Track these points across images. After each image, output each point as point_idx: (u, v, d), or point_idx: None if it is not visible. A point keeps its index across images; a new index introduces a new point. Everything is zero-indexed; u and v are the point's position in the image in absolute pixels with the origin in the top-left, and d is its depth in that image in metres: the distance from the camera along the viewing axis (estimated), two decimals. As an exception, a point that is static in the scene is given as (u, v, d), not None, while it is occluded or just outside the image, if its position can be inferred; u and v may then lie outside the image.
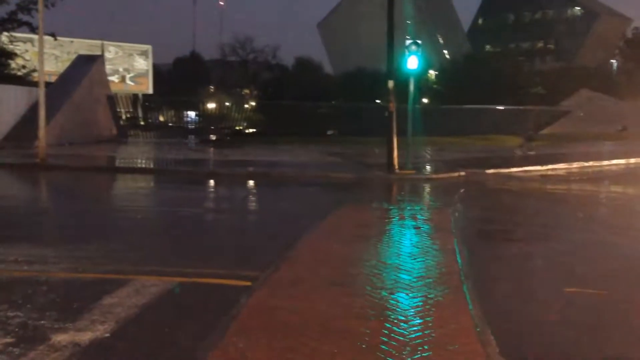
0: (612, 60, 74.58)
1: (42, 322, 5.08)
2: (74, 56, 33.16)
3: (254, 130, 37.32)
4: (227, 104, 37.09)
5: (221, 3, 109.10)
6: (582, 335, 5.19)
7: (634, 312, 5.87)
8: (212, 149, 26.67)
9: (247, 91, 66.22)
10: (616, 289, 6.53)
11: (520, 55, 79.10)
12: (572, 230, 10.29)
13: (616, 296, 6.29)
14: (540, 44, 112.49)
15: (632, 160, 23.31)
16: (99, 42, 43.95)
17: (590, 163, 22.06)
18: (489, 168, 19.27)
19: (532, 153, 24.04)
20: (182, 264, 7.07)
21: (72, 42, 42.77)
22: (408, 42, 17.70)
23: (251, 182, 16.57)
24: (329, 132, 38.80)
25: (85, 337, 4.77)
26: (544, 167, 20.49)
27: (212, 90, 66.31)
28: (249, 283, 6.24)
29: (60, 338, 4.73)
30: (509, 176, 18.40)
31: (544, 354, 4.79)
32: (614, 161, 22.84)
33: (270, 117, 38.19)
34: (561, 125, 45.36)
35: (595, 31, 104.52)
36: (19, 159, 19.52)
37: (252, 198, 14.47)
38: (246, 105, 40.50)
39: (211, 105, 37.44)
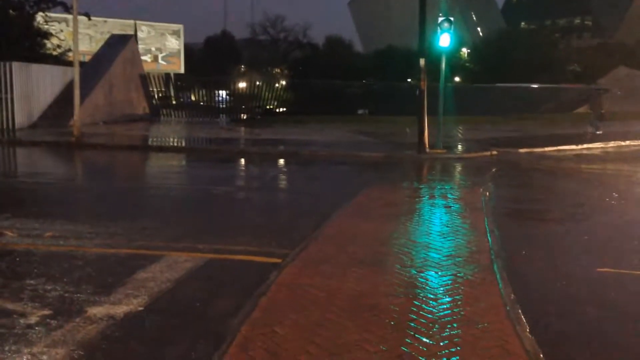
0: (652, 37, 72.17)
1: (78, 295, 5.24)
2: (107, 36, 33.52)
3: (285, 109, 37.34)
4: (257, 83, 37.10)
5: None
6: (613, 315, 5.13)
7: (669, 294, 5.76)
8: (243, 128, 26.80)
9: (277, 70, 66.18)
10: (651, 270, 6.41)
11: (556, 32, 77.32)
12: (606, 211, 10.10)
13: (651, 277, 6.18)
14: (577, 20, 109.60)
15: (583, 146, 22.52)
16: (131, 21, 44.28)
17: (627, 142, 21.54)
18: (522, 147, 18.99)
19: (599, 132, 23.28)
20: (213, 241, 7.17)
21: (105, 21, 43.21)
22: (440, 19, 17.42)
23: (281, 161, 16.64)
24: (360, 111, 38.60)
25: (120, 310, 4.90)
26: (579, 147, 20.09)
27: (242, 69, 66.45)
28: (279, 260, 6.31)
29: (96, 311, 4.87)
30: (542, 155, 18.11)
31: (574, 334, 4.75)
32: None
33: (300, 96, 38.10)
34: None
35: (635, 6, 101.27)
36: (55, 137, 19.92)
37: (282, 177, 14.55)
38: (277, 85, 40.48)
39: (242, 85, 37.52)
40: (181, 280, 5.72)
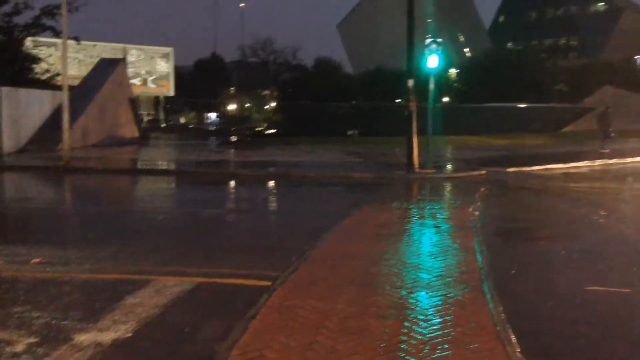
0: (636, 56, 73.31)
1: (65, 322, 5.17)
2: (97, 60, 33.59)
3: (275, 130, 37.48)
4: (247, 105, 37.26)
5: (242, 5, 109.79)
6: (602, 334, 5.13)
7: (658, 311, 5.78)
8: (233, 150, 26.82)
9: (267, 92, 66.47)
10: (639, 288, 6.44)
11: (543, 52, 78.33)
12: (594, 229, 10.15)
13: (639, 295, 6.20)
14: (563, 41, 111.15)
15: (597, 162, 22.79)
16: (121, 45, 44.45)
17: (614, 160, 21.73)
18: (510, 166, 19.10)
19: (607, 151, 23.46)
20: (203, 265, 7.13)
21: (95, 45, 43.30)
22: (428, 40, 17.62)
23: (272, 183, 16.63)
24: (350, 132, 38.77)
25: (108, 337, 4.85)
26: (566, 165, 20.24)
27: (232, 91, 66.68)
28: (269, 283, 6.27)
29: (83, 338, 4.81)
30: (530, 174, 18.22)
31: (565, 353, 4.75)
32: (638, 158, 22.45)
33: (290, 118, 38.32)
34: (584, 123, 44.71)
35: (620, 27, 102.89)
36: (43, 161, 19.83)
37: (272, 198, 14.53)
38: (267, 106, 40.66)
39: (232, 107, 37.67)
40: (170, 305, 5.67)
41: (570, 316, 5.57)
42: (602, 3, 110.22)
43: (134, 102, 31.24)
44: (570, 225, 10.47)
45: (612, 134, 24.39)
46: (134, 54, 44.87)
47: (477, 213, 11.00)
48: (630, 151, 23.93)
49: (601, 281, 6.67)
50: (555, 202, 13.32)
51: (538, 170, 19.18)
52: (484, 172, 18.11)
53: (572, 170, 19.49)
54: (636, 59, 71.24)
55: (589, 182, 16.91)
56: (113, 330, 4.98)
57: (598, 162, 21.22)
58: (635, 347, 4.94)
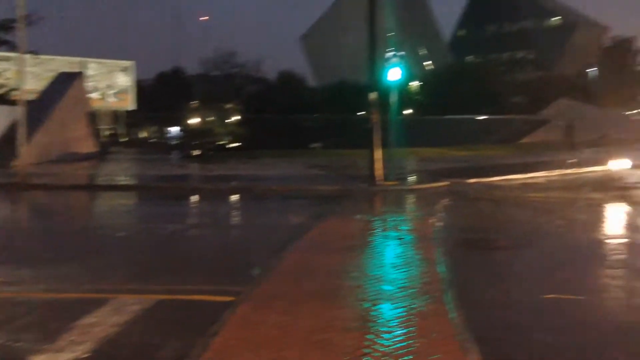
0: (590, 69, 75.63)
1: (20, 344, 5.02)
2: (54, 74, 32.97)
3: (238, 144, 37.25)
4: (210, 118, 36.98)
5: (204, 18, 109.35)
6: (561, 341, 5.23)
7: (610, 317, 5.92)
8: (195, 164, 26.57)
9: (230, 105, 66.12)
10: (594, 295, 6.59)
11: (501, 66, 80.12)
12: (552, 238, 10.37)
13: (593, 301, 6.35)
14: (520, 54, 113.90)
15: (590, 169, 23.49)
16: (79, 59, 43.75)
17: (570, 170, 22.28)
18: (471, 178, 19.40)
19: (574, 161, 24.14)
20: (164, 281, 7.02)
21: (52, 59, 42.51)
22: (390, 54, 17.85)
23: (235, 197, 16.52)
24: (313, 145, 38.85)
25: (63, 358, 4.72)
26: (525, 176, 20.65)
27: (195, 105, 66.13)
28: (232, 298, 6.20)
29: (39, 359, 4.67)
30: (491, 185, 18.53)
31: (525, 362, 4.81)
32: (593, 168, 23.07)
33: (254, 131, 38.13)
34: (541, 134, 45.81)
35: (574, 40, 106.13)
36: (-1, 178, 19.29)
37: (235, 213, 14.43)
38: (230, 120, 40.45)
39: (194, 120, 37.35)
40: (129, 323, 5.55)
41: (528, 324, 5.67)
42: (557, 18, 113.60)
43: (93, 117, 30.72)
44: (529, 234, 10.68)
45: (576, 145, 25.21)
46: (93, 68, 44.15)
47: (439, 224, 11.12)
48: (585, 161, 24.58)
49: (557, 289, 6.81)
50: (514, 212, 13.57)
51: (498, 180, 19.53)
52: (445, 183, 18.34)
53: (530, 181, 19.91)
54: (590, 72, 73.42)
55: (546, 192, 17.28)
56: (69, 351, 4.84)
57: (555, 172, 21.72)
58: (591, 352, 5.04)
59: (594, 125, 41.50)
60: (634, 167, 22.31)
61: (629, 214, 13.25)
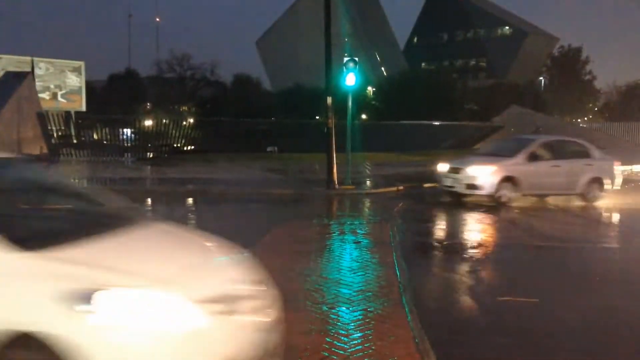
0: (540, 77, 77.95)
1: None
2: (1, 73, 31.91)
3: (193, 147, 36.81)
4: (164, 121, 36.42)
5: (158, 19, 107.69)
6: (515, 342, 5.35)
7: (562, 319, 6.09)
8: (149, 167, 26.12)
9: (185, 108, 65.40)
10: (547, 297, 6.77)
11: (454, 73, 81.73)
12: (504, 240, 10.61)
13: (546, 304, 6.51)
14: (472, 62, 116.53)
15: None
16: (28, 58, 42.42)
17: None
18: (426, 182, 19.67)
19: None
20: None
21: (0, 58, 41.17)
22: (346, 59, 17.96)
23: (190, 200, 16.31)
24: (269, 149, 38.72)
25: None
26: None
27: (148, 107, 65.12)
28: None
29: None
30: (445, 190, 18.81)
31: (480, 362, 4.90)
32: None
33: (209, 134, 37.78)
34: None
35: (524, 49, 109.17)
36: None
37: (190, 216, 14.22)
38: (184, 123, 39.96)
39: (148, 123, 36.73)
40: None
41: (483, 326, 5.78)
42: (508, 27, 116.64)
43: (42, 118, 29.83)
44: (483, 238, 10.90)
45: None
46: (42, 67, 42.87)
47: (395, 228, 11.23)
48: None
49: (511, 292, 6.97)
50: (468, 216, 13.82)
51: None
52: (401, 187, 18.56)
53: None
54: (541, 80, 75.65)
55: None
56: None
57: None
58: (543, 353, 5.17)
59: (543, 133, 42.72)
60: None
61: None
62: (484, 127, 49.34)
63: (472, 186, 14.80)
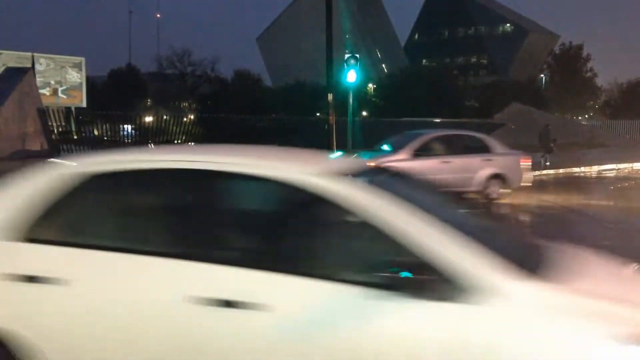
0: (541, 75, 77.85)
1: None
2: (1, 69, 31.87)
3: (193, 144, 36.80)
4: (165, 117, 36.40)
5: (158, 15, 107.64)
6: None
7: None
8: (149, 164, 26.03)
9: (185, 104, 65.38)
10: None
11: (455, 70, 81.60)
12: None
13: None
14: (473, 59, 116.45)
15: (561, 171, 24.27)
16: (29, 54, 42.38)
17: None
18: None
19: (547, 164, 24.62)
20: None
21: (0, 54, 41.15)
22: (347, 56, 17.92)
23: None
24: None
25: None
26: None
27: (149, 103, 65.11)
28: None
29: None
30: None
31: None
32: (544, 172, 23.70)
33: (209, 131, 37.71)
34: (494, 137, 46.74)
35: (525, 47, 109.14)
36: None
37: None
38: (185, 119, 39.93)
39: (148, 119, 36.71)
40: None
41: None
42: (509, 24, 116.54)
43: (43, 114, 29.79)
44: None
45: (554, 148, 25.74)
46: (43, 63, 42.84)
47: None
48: (536, 165, 25.17)
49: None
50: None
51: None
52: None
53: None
54: (542, 78, 75.58)
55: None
56: None
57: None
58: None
59: (553, 131, 42.71)
60: None
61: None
62: (485, 124, 49.25)
63: None
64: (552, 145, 25.71)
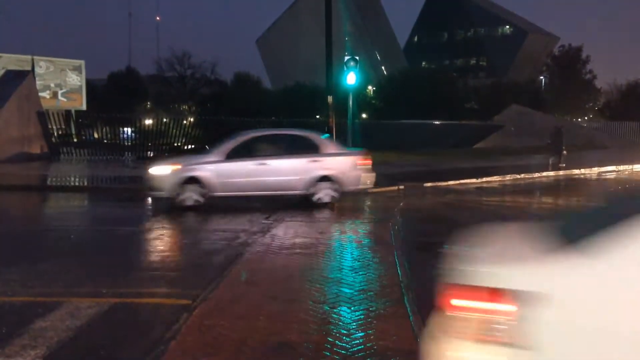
0: (540, 77, 77.87)
1: (-32, 349, 4.81)
2: (1, 72, 31.91)
3: (193, 146, 36.82)
4: (164, 119, 36.44)
5: (158, 18, 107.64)
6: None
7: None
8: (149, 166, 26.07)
9: (185, 107, 65.40)
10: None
11: (454, 72, 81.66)
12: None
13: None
14: (473, 61, 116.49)
15: (561, 173, 24.30)
16: (28, 57, 42.45)
17: (523, 175, 22.83)
18: (427, 181, 19.66)
19: (562, 165, 24.73)
20: (119, 285, 6.86)
21: (0, 57, 41.23)
22: (346, 58, 17.96)
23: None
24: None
25: (15, 363, 4.54)
26: (479, 180, 21.06)
27: (149, 106, 65.12)
28: (189, 302, 6.12)
29: (-12, 366, 4.49)
30: (447, 189, 18.83)
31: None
32: (544, 173, 23.74)
33: (209, 133, 37.74)
34: (493, 139, 46.83)
35: (525, 49, 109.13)
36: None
37: (191, 215, 14.21)
38: (185, 121, 39.97)
39: (148, 121, 36.73)
40: (84, 327, 5.40)
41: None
42: (508, 26, 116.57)
43: (42, 116, 29.82)
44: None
45: (565, 151, 25.84)
46: (42, 66, 42.90)
47: (396, 227, 11.23)
48: (535, 167, 25.24)
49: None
50: (470, 216, 13.81)
51: (453, 184, 19.85)
52: (402, 187, 18.53)
53: (484, 185, 20.32)
54: (541, 79, 75.61)
55: (500, 196, 17.68)
56: (21, 356, 4.69)
57: (508, 177, 22.24)
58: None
59: (544, 132, 42.76)
60: None
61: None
62: (485, 126, 49.32)
63: (152, 187, 13.58)
64: (563, 147, 25.83)
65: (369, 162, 14.43)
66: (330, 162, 13.71)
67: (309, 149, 13.88)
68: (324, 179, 13.61)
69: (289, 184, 13.59)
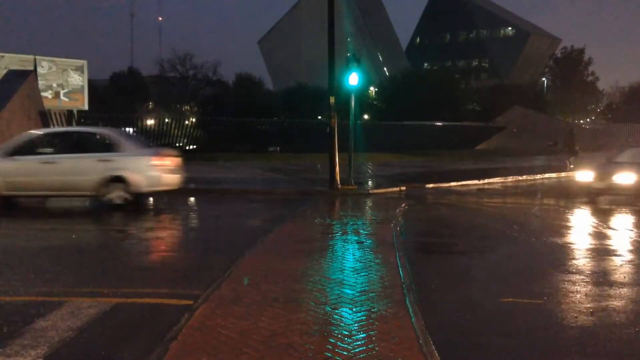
0: (542, 78, 77.81)
1: (-32, 349, 4.80)
2: (4, 71, 31.93)
3: (195, 146, 36.85)
4: (166, 120, 36.48)
5: (160, 18, 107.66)
6: (520, 344, 5.32)
7: (567, 320, 6.05)
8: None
9: (187, 107, 65.39)
10: (550, 298, 6.73)
11: (456, 73, 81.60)
12: (507, 242, 10.58)
13: (550, 305, 6.48)
14: (475, 62, 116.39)
15: (563, 174, 24.28)
16: (31, 57, 42.46)
17: (524, 177, 22.83)
18: (429, 183, 19.66)
19: (572, 166, 24.73)
20: (120, 284, 6.85)
21: (2, 56, 41.24)
22: (349, 59, 17.93)
23: (192, 199, 16.29)
24: (271, 149, 38.75)
25: (15, 363, 4.53)
26: (481, 181, 21.06)
27: (150, 106, 65.13)
28: (190, 302, 6.10)
29: (-12, 365, 4.48)
30: (448, 190, 18.82)
31: (484, 364, 4.85)
32: (546, 175, 23.74)
33: (211, 134, 37.86)
34: (495, 141, 46.82)
35: (527, 50, 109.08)
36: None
37: (193, 215, 14.22)
38: (186, 122, 40.00)
39: (150, 122, 36.77)
40: (85, 327, 5.39)
41: (488, 328, 5.75)
42: (511, 28, 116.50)
43: (45, 116, 29.82)
44: (486, 239, 10.86)
45: (578, 151, 25.87)
46: (45, 66, 42.92)
47: (398, 228, 11.20)
48: (537, 167, 25.24)
49: (515, 293, 6.93)
50: (471, 217, 13.80)
51: (455, 186, 19.86)
52: (403, 188, 18.53)
53: (486, 187, 20.31)
54: (543, 81, 75.55)
55: (501, 198, 17.66)
56: (22, 355, 4.67)
57: (510, 179, 22.22)
58: (549, 356, 5.14)
59: (545, 134, 42.74)
60: None
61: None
62: (487, 127, 49.30)
63: None
64: (577, 148, 25.87)
65: (172, 162, 13.76)
66: (122, 161, 12.99)
67: (102, 147, 13.25)
68: (115, 179, 12.94)
69: (76, 185, 12.99)
